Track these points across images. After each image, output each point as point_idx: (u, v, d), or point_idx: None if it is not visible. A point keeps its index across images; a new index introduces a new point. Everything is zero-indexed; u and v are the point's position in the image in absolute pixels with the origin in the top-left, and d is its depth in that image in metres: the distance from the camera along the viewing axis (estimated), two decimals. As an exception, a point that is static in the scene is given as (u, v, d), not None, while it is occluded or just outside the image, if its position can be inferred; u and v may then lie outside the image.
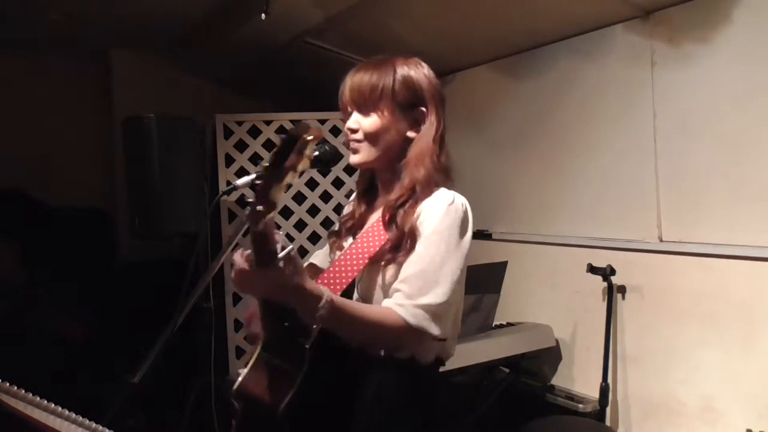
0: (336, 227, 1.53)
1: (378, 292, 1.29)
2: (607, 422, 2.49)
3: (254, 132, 3.06)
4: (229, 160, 3.01)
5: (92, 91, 4.05)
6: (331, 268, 1.32)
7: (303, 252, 3.11)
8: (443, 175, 1.33)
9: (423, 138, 1.33)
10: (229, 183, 2.92)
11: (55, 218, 3.56)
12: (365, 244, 1.30)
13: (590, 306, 2.65)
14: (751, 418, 2.08)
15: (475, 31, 2.80)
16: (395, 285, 1.24)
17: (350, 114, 1.36)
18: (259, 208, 1.01)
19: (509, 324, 2.82)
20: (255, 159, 3.05)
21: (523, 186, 2.97)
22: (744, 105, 2.10)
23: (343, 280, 1.29)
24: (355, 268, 1.29)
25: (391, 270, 1.27)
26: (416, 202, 1.29)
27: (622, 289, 2.54)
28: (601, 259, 2.53)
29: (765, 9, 2.03)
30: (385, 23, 2.84)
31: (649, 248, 2.41)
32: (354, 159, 1.37)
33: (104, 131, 3.98)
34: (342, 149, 1.45)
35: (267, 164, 1.00)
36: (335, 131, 3.12)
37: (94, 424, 0.95)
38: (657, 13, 2.35)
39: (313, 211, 3.14)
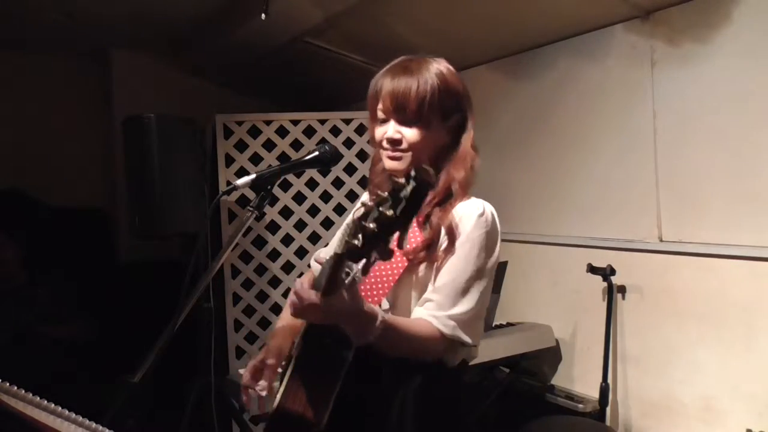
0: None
1: (410, 291, 1.32)
2: (607, 422, 2.49)
3: (254, 132, 3.06)
4: (229, 160, 3.01)
5: (92, 91, 4.05)
6: (371, 275, 1.31)
7: (303, 252, 3.11)
8: (474, 180, 1.36)
9: (464, 143, 1.37)
10: (229, 183, 2.92)
11: (55, 218, 3.57)
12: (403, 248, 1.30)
13: (590, 306, 2.65)
14: (751, 418, 2.08)
15: (475, 31, 2.80)
16: (427, 294, 1.27)
17: (384, 120, 1.34)
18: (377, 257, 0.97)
19: (509, 324, 2.82)
20: (255, 159, 3.05)
21: (523, 186, 2.97)
22: (744, 105, 2.10)
23: (385, 286, 1.30)
24: (395, 272, 1.30)
25: (423, 269, 1.29)
26: (451, 204, 1.30)
27: (622, 289, 2.53)
28: (601, 259, 2.53)
29: (765, 9, 2.03)
30: (384, 23, 2.84)
31: (649, 248, 2.41)
32: (394, 165, 1.34)
33: (104, 131, 3.98)
34: (342, 149, 1.45)
35: (395, 212, 0.89)
36: (335, 131, 3.11)
37: (94, 424, 0.95)
38: (657, 13, 2.35)
39: (313, 211, 3.13)
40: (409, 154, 1.32)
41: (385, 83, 1.32)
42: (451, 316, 1.24)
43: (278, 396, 1.22)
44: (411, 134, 1.31)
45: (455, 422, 1.32)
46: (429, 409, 1.26)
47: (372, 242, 0.91)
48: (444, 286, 1.25)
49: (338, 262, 1.00)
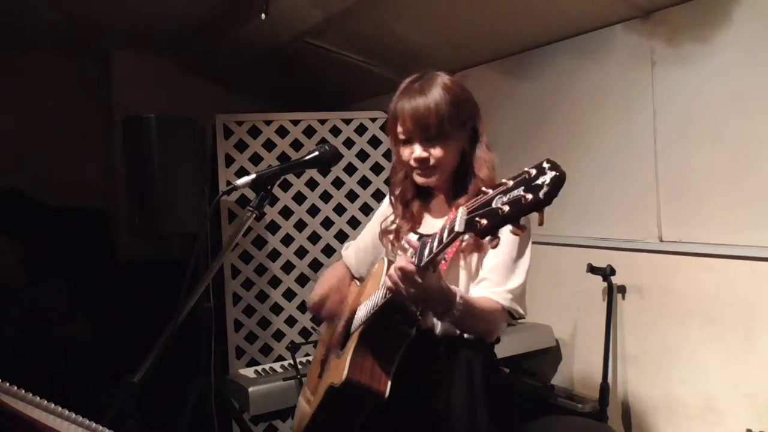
0: (390, 227, 1.63)
1: (458, 271, 1.47)
2: (607, 422, 2.49)
3: (254, 132, 3.05)
4: (229, 160, 3.01)
5: (92, 91, 4.05)
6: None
7: (303, 252, 3.11)
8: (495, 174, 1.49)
9: (480, 144, 1.51)
10: (229, 183, 2.92)
11: (55, 218, 3.57)
12: None
13: (590, 306, 2.65)
14: (751, 418, 2.08)
15: (475, 31, 2.80)
16: (482, 275, 1.45)
17: (407, 140, 1.47)
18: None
19: (509, 324, 2.82)
20: (255, 159, 3.05)
21: (523, 186, 2.97)
22: (744, 105, 2.10)
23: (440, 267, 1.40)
24: (447, 256, 1.42)
25: (469, 252, 1.45)
26: None
27: (622, 289, 2.54)
28: (601, 259, 2.53)
29: (765, 9, 2.03)
30: (384, 23, 2.84)
31: (649, 248, 2.41)
32: (425, 181, 1.49)
33: (104, 131, 3.98)
34: (342, 149, 1.48)
35: (537, 195, 1.00)
36: (335, 131, 3.11)
37: (94, 424, 0.95)
38: (657, 13, 2.35)
39: (313, 211, 3.13)
40: (438, 170, 1.47)
41: (405, 106, 1.44)
42: (508, 290, 1.41)
43: (346, 367, 1.32)
44: (437, 152, 1.45)
45: (497, 387, 1.50)
46: (477, 377, 1.43)
47: (502, 222, 1.01)
48: (496, 266, 1.43)
49: (454, 239, 1.11)
